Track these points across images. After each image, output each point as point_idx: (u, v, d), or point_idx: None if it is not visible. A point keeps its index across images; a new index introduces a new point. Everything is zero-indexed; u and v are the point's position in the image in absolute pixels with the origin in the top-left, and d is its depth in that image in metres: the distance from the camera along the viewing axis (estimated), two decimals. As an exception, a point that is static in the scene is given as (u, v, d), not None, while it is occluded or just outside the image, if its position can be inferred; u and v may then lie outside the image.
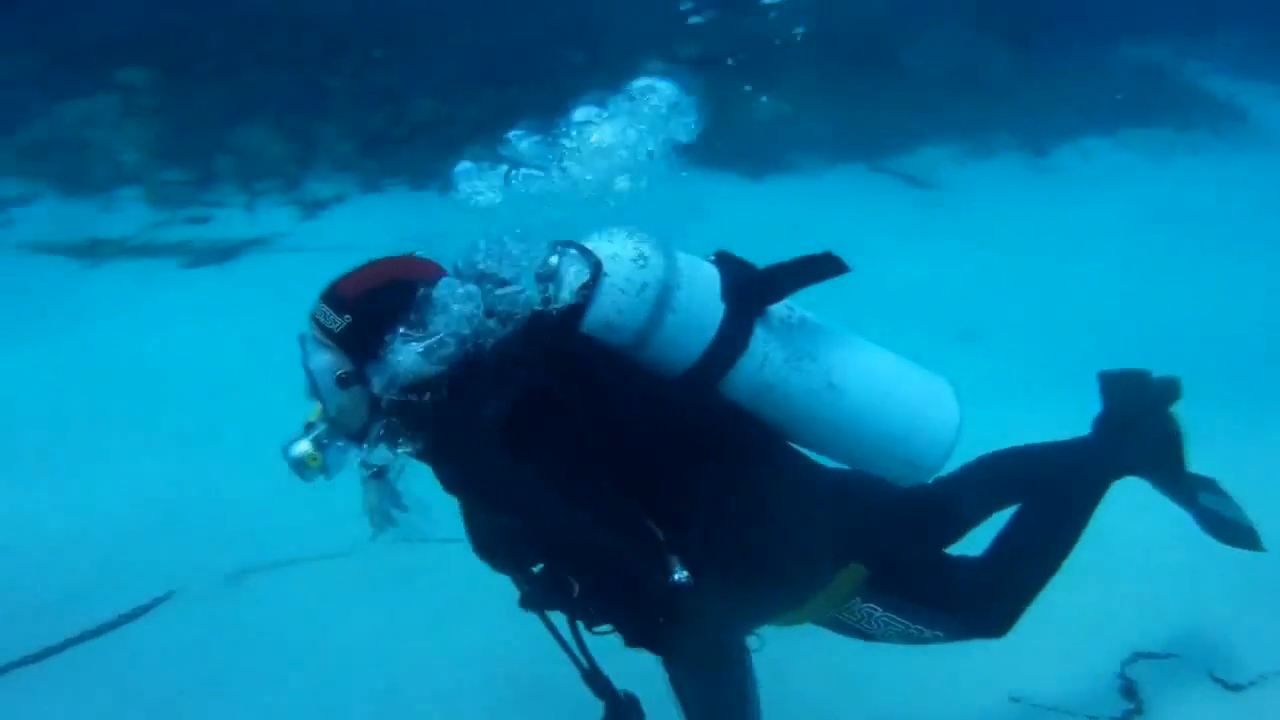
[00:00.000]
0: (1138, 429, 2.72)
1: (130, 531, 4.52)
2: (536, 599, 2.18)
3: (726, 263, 2.24)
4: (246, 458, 4.35)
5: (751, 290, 2.17)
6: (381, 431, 2.08)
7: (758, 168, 9.79)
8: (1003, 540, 2.60)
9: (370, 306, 2.01)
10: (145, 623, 3.98)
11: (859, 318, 6.31)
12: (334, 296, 2.04)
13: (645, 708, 2.26)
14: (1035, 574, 2.54)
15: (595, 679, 2.20)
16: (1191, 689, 3.40)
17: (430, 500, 2.29)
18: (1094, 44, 11.82)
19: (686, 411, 2.14)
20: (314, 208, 9.04)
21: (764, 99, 10.08)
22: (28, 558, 4.37)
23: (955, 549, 2.62)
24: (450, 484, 2.09)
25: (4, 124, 9.93)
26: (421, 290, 2.01)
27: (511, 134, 2.26)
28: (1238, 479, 2.92)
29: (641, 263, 2.11)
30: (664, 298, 2.09)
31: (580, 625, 2.23)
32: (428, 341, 1.97)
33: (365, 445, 2.13)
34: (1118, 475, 2.70)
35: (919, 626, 2.43)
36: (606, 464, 2.02)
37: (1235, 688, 3.40)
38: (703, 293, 2.14)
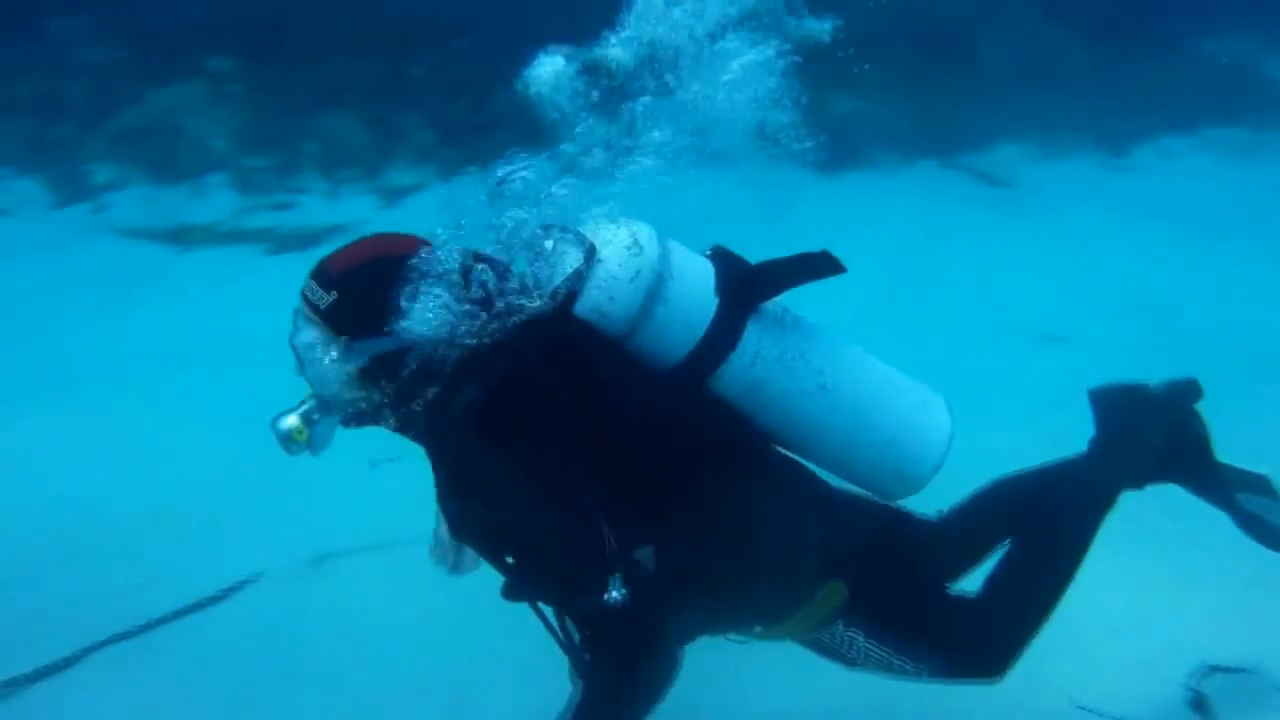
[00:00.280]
0: (1134, 443, 2.63)
1: (217, 513, 4.62)
2: (515, 589, 2.15)
3: (722, 258, 2.22)
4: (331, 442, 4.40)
5: (746, 286, 2.16)
6: (365, 408, 2.08)
7: (833, 163, 9.77)
8: (995, 577, 2.51)
9: (357, 283, 1.99)
10: (231, 604, 4.06)
11: (935, 315, 6.46)
12: (322, 273, 2.03)
13: None
14: (1030, 612, 2.45)
15: (582, 664, 2.17)
16: (1265, 705, 3.33)
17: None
18: (1174, 39, 11.59)
19: (675, 404, 2.12)
20: (395, 196, 9.18)
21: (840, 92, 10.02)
22: (119, 537, 4.48)
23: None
24: (432, 462, 2.11)
25: (98, 111, 10.22)
26: (408, 267, 2.00)
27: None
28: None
29: (635, 250, 2.10)
30: (656, 287, 2.08)
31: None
32: (412, 319, 1.97)
33: (351, 422, 2.14)
34: (1124, 489, 2.61)
35: (901, 660, 2.38)
36: (587, 456, 1.97)
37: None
38: (696, 286, 2.13)
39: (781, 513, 2.23)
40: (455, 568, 2.71)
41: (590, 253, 2.10)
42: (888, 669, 2.41)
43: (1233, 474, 2.72)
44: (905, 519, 2.47)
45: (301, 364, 2.06)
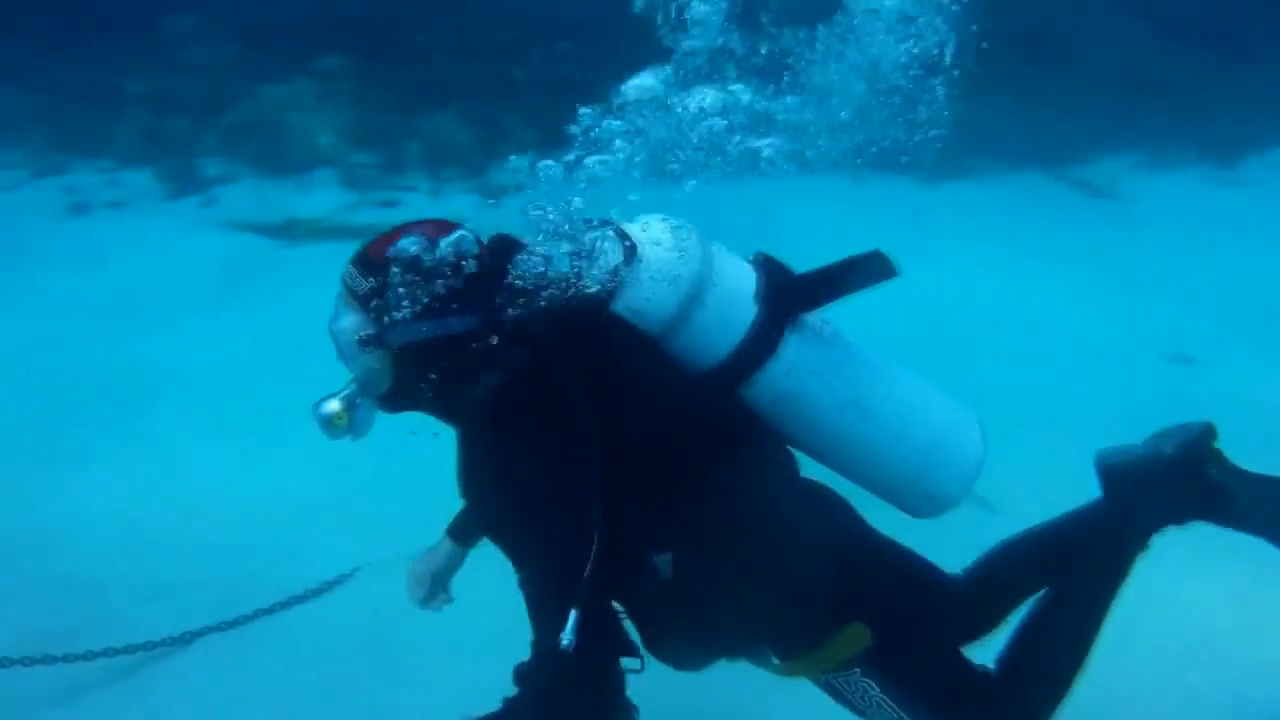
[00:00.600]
0: (1147, 508, 2.48)
1: (317, 507, 4.69)
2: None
3: (766, 266, 2.19)
4: (431, 439, 4.43)
5: (786, 296, 2.13)
6: (402, 393, 2.05)
7: (934, 172, 9.69)
8: (1015, 650, 2.41)
9: (394, 269, 1.95)
10: (331, 596, 4.14)
11: (1046, 327, 6.37)
12: (362, 259, 2.00)
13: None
14: (1051, 691, 2.35)
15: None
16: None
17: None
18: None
19: (704, 408, 2.09)
20: (497, 194, 9.26)
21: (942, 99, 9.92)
22: (225, 529, 4.58)
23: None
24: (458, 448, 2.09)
25: (210, 106, 10.47)
26: (448, 255, 1.95)
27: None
28: None
29: (677, 254, 2.08)
30: (696, 292, 2.05)
31: None
32: (446, 307, 1.94)
33: (390, 406, 2.11)
34: (1140, 548, 2.47)
35: None
36: (601, 453, 1.91)
37: None
38: (736, 293, 2.10)
39: (804, 534, 2.19)
40: (425, 602, 2.77)
41: (631, 251, 2.08)
42: None
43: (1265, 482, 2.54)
44: (933, 572, 2.41)
45: (341, 349, 2.05)
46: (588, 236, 2.10)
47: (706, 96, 2.21)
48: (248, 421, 5.53)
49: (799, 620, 2.23)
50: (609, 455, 1.90)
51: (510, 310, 1.97)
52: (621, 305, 2.06)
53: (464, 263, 1.95)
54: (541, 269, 2.02)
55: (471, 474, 2.10)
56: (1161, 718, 3.28)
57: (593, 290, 2.07)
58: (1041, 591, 2.44)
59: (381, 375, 2.00)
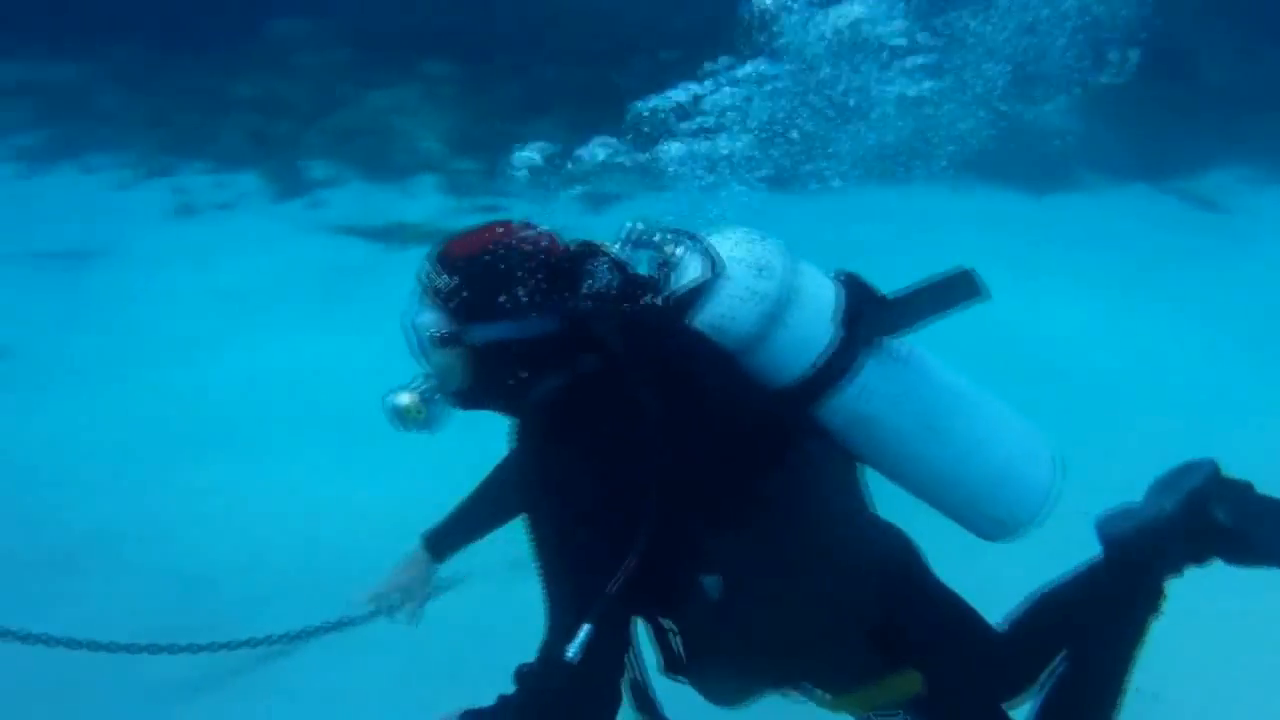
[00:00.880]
0: (1159, 560, 2.37)
1: (427, 511, 4.71)
2: None
3: (850, 285, 2.16)
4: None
5: (867, 319, 2.09)
6: (474, 391, 2.04)
7: (1041, 183, 9.55)
8: (1050, 706, 2.36)
9: (474, 268, 1.94)
10: (439, 601, 4.14)
11: (1162, 340, 6.23)
12: (441, 257, 1.99)
13: None
14: None
15: (641, 695, 2.08)
16: None
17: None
18: None
19: (773, 428, 2.05)
20: (599, 202, 9.28)
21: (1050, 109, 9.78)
22: (335, 531, 4.64)
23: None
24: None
25: (317, 109, 10.64)
26: (530, 257, 1.96)
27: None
28: None
29: (763, 272, 2.05)
30: (776, 311, 2.03)
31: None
32: (525, 309, 1.93)
33: (462, 403, 2.10)
34: (1163, 592, 2.38)
35: None
36: (660, 466, 1.87)
37: None
38: (817, 313, 2.07)
39: (861, 571, 2.15)
40: (382, 610, 2.72)
41: (715, 266, 2.06)
42: None
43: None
44: (985, 627, 2.34)
45: (416, 346, 2.03)
46: (673, 247, 2.10)
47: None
48: (354, 424, 5.55)
49: (847, 658, 2.20)
50: (667, 470, 1.87)
51: (588, 315, 1.95)
52: (702, 320, 2.04)
53: (544, 265, 1.95)
54: (623, 277, 2.01)
55: (520, 468, 2.09)
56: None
57: (673, 302, 2.06)
58: (1072, 644, 2.38)
59: (457, 372, 2.00)
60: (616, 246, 2.08)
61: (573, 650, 1.78)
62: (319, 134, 10.43)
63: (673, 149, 2.24)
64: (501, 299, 1.92)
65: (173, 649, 3.70)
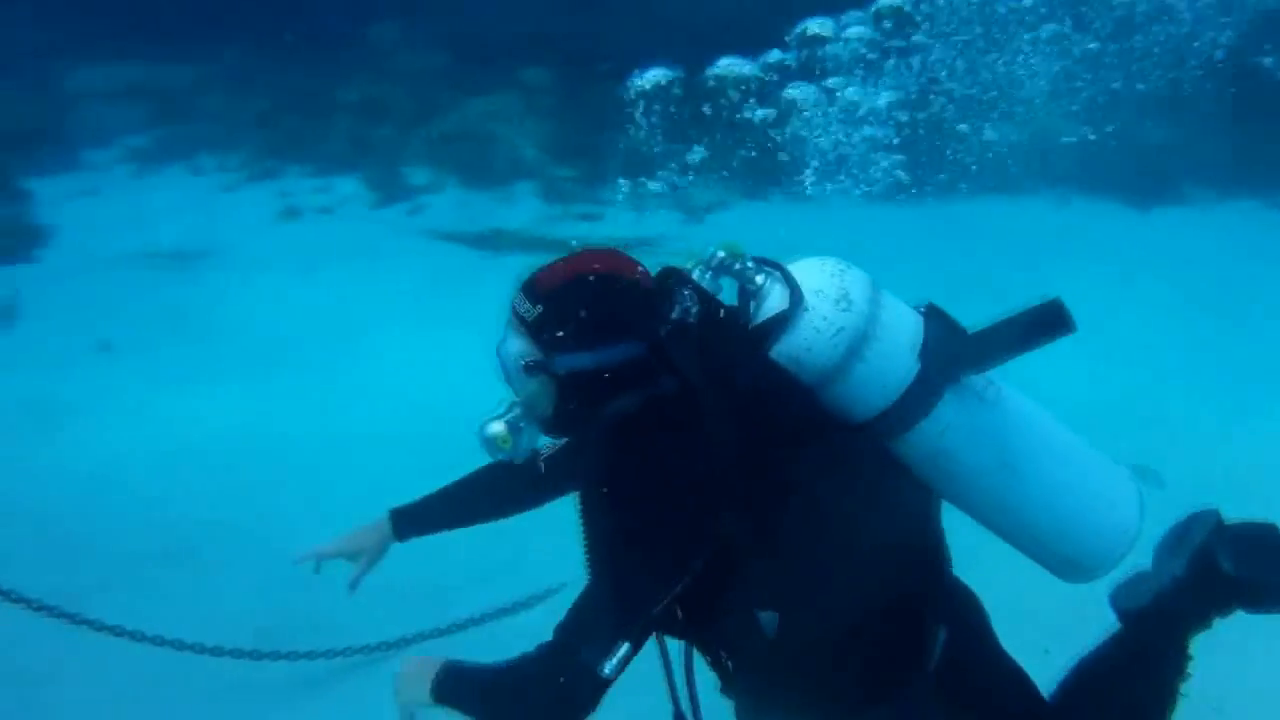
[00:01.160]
0: (1179, 624, 2.33)
1: (531, 519, 4.76)
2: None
3: (934, 319, 2.08)
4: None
5: (951, 356, 2.02)
6: (562, 418, 2.03)
7: (1144, 197, 9.33)
8: None
9: (562, 299, 1.92)
10: (533, 611, 4.19)
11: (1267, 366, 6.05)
12: (531, 286, 1.97)
13: None
14: None
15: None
16: None
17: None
18: None
19: (850, 462, 2.01)
20: (697, 212, 9.30)
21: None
22: (438, 536, 4.70)
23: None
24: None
25: (418, 115, 10.79)
26: (613, 288, 1.94)
27: None
28: None
29: (844, 305, 1.98)
30: (855, 345, 1.96)
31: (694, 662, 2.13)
32: (611, 339, 1.91)
33: (551, 430, 2.10)
34: (1187, 655, 2.34)
35: None
36: (727, 495, 1.88)
37: None
38: (898, 348, 2.00)
39: (923, 631, 2.12)
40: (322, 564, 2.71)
41: (797, 298, 2.00)
42: None
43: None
44: (1040, 702, 2.30)
45: (506, 373, 2.02)
46: (755, 276, 2.06)
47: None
48: (458, 428, 5.65)
49: (897, 715, 2.15)
50: (735, 500, 1.87)
51: (668, 342, 1.94)
52: (781, 352, 1.99)
53: (628, 294, 1.94)
54: (705, 305, 1.99)
55: (584, 477, 2.10)
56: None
57: (754, 332, 2.02)
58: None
59: (545, 399, 1.99)
60: (700, 274, 2.06)
61: (609, 668, 1.84)
62: (419, 140, 10.58)
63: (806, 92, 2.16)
64: (587, 328, 1.92)
65: (274, 655, 3.76)
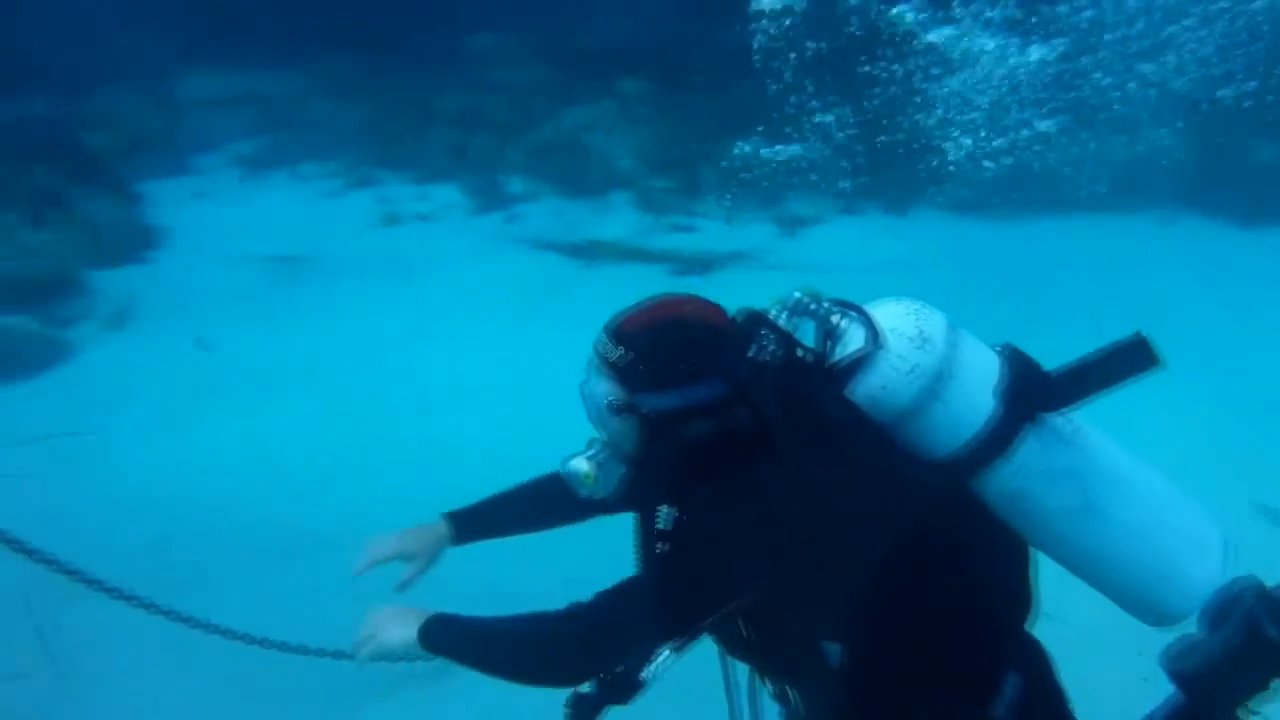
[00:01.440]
0: (1233, 689, 2.22)
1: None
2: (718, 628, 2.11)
3: (1012, 359, 2.08)
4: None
5: (1030, 396, 2.02)
6: (644, 457, 2.08)
7: (1251, 215, 9.14)
8: None
9: (646, 343, 1.98)
10: None
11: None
12: (615, 330, 2.03)
13: None
14: None
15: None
16: None
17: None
18: None
19: (925, 499, 2.01)
20: (793, 226, 9.30)
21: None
22: (548, 537, 4.76)
23: None
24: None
25: (516, 125, 10.95)
26: (696, 332, 1.98)
27: None
28: None
29: (920, 344, 2.01)
30: (933, 385, 1.99)
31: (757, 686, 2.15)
32: (694, 381, 1.95)
33: (632, 468, 2.13)
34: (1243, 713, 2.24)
35: None
36: (799, 532, 1.91)
37: None
38: (977, 387, 2.02)
39: (989, 680, 2.10)
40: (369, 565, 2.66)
41: (874, 338, 2.03)
42: None
43: None
44: None
45: (591, 412, 2.08)
46: (835, 318, 2.10)
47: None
48: (555, 437, 5.72)
49: None
50: (800, 534, 1.90)
51: (749, 383, 1.98)
52: (859, 391, 2.03)
53: (710, 338, 1.99)
54: (786, 347, 2.03)
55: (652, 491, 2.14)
56: None
57: (833, 372, 2.05)
58: None
59: (628, 439, 2.05)
60: (779, 316, 2.10)
61: (647, 672, 1.97)
62: (517, 149, 10.71)
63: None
64: (669, 370, 1.97)
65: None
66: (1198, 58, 8.49)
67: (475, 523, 2.69)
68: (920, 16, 8.26)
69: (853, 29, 8.60)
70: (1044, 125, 8.59)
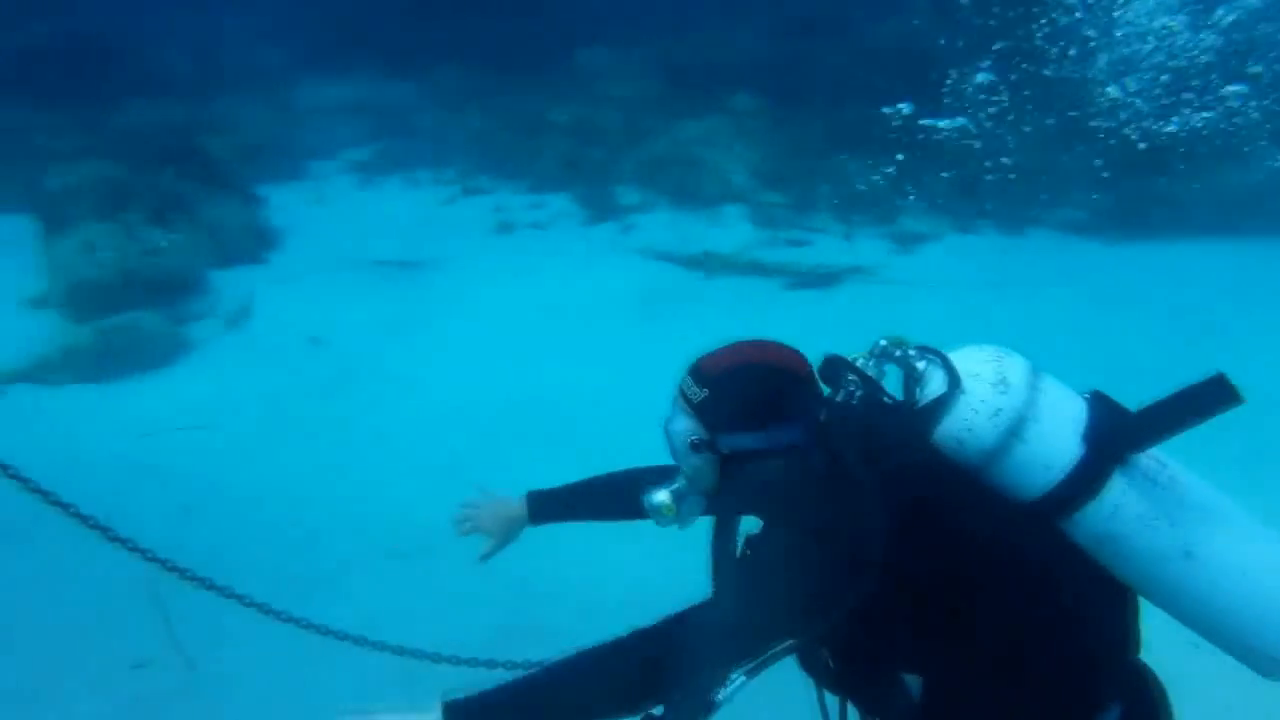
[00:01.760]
0: None
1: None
2: (805, 658, 2.13)
3: (1098, 403, 2.06)
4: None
5: (1116, 436, 2.00)
6: (723, 491, 2.13)
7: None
8: None
9: (726, 384, 2.05)
10: None
11: None
12: (698, 370, 2.09)
13: None
14: None
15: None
16: None
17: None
18: None
19: (1014, 540, 2.00)
20: (908, 242, 9.25)
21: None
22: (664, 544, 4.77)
23: None
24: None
25: (630, 138, 11.05)
26: (777, 376, 2.06)
27: None
28: None
29: (1002, 388, 2.02)
30: (1015, 427, 1.98)
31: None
32: (774, 424, 2.02)
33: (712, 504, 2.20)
34: None
35: None
36: (859, 568, 1.91)
37: None
38: (1062, 429, 2.00)
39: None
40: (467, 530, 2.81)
41: (955, 382, 2.04)
42: None
43: None
44: None
45: (673, 449, 2.14)
46: (916, 362, 2.14)
47: None
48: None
49: None
50: (876, 576, 1.90)
51: (828, 427, 2.05)
52: (941, 433, 2.04)
53: (788, 382, 2.06)
54: (867, 390, 2.10)
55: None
56: None
57: (916, 416, 2.08)
58: None
59: (708, 475, 2.12)
60: (864, 361, 2.18)
61: (721, 696, 1.93)
62: (630, 162, 10.79)
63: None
64: (748, 412, 2.05)
65: (508, 665, 3.84)
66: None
67: (553, 505, 2.80)
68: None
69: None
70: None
